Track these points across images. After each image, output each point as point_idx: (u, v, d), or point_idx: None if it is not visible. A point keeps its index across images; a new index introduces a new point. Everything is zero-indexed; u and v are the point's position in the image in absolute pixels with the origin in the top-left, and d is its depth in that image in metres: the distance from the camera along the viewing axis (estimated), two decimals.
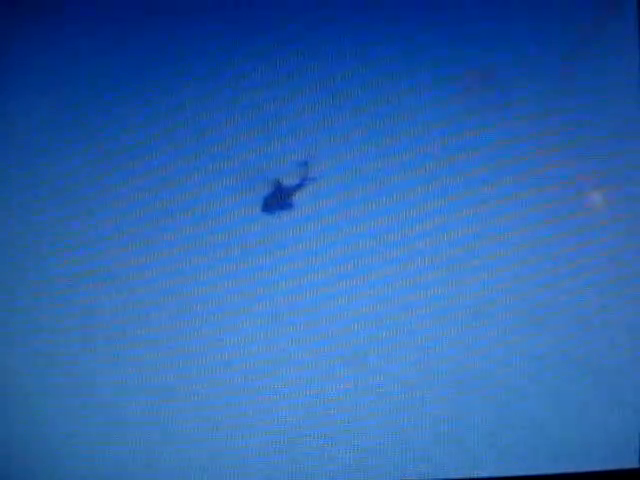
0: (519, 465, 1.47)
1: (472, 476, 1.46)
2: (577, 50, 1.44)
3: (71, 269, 1.41)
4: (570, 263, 1.45)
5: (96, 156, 1.40)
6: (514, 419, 1.46)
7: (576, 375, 1.46)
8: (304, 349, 1.42)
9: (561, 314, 1.45)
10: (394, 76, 1.40)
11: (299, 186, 1.36)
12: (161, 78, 1.40)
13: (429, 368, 1.43)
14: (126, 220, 1.40)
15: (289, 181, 1.38)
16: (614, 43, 1.45)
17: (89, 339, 1.42)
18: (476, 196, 1.42)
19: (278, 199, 1.36)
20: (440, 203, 1.42)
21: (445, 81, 1.41)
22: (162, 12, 1.40)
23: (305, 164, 1.37)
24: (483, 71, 1.40)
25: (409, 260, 1.42)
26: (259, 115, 1.40)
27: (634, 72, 1.45)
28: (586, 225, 1.45)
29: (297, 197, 1.37)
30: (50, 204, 1.41)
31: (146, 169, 1.40)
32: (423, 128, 1.41)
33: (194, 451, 1.44)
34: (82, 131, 1.40)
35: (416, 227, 1.41)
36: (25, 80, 1.41)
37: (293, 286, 1.41)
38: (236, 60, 1.40)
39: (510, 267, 1.44)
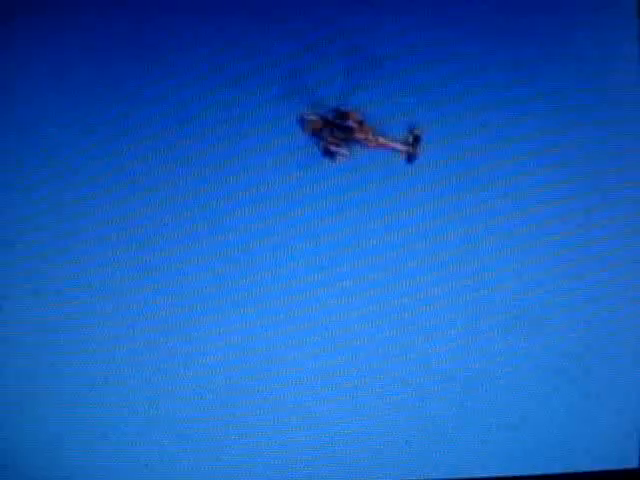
0: (519, 465, 1.47)
1: (472, 476, 1.47)
2: (579, 50, 1.44)
3: (70, 270, 1.42)
4: (570, 263, 1.45)
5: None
6: (514, 419, 1.46)
7: (576, 375, 1.46)
8: (304, 350, 1.42)
9: (561, 314, 1.45)
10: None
11: None
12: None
13: (430, 368, 1.43)
14: (128, 223, 1.41)
15: None
16: (614, 42, 1.45)
17: (89, 339, 1.43)
18: (476, 196, 1.42)
19: None
20: (440, 204, 1.42)
21: (442, 81, 1.42)
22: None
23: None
24: None
25: (410, 260, 1.42)
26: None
27: (634, 71, 1.45)
28: (586, 225, 1.45)
29: None
30: (48, 199, 1.42)
31: (149, 166, 1.41)
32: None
33: (194, 451, 1.44)
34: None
35: (417, 228, 1.41)
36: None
37: (294, 286, 1.41)
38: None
39: (510, 267, 1.44)
